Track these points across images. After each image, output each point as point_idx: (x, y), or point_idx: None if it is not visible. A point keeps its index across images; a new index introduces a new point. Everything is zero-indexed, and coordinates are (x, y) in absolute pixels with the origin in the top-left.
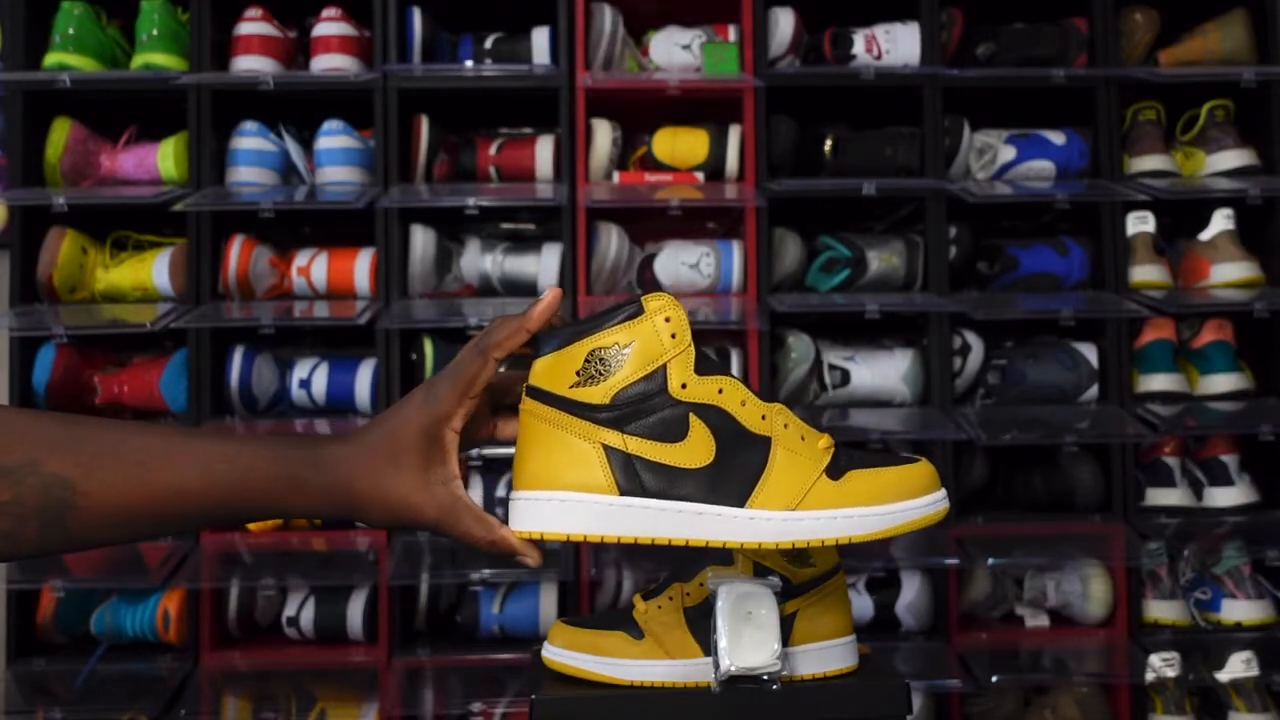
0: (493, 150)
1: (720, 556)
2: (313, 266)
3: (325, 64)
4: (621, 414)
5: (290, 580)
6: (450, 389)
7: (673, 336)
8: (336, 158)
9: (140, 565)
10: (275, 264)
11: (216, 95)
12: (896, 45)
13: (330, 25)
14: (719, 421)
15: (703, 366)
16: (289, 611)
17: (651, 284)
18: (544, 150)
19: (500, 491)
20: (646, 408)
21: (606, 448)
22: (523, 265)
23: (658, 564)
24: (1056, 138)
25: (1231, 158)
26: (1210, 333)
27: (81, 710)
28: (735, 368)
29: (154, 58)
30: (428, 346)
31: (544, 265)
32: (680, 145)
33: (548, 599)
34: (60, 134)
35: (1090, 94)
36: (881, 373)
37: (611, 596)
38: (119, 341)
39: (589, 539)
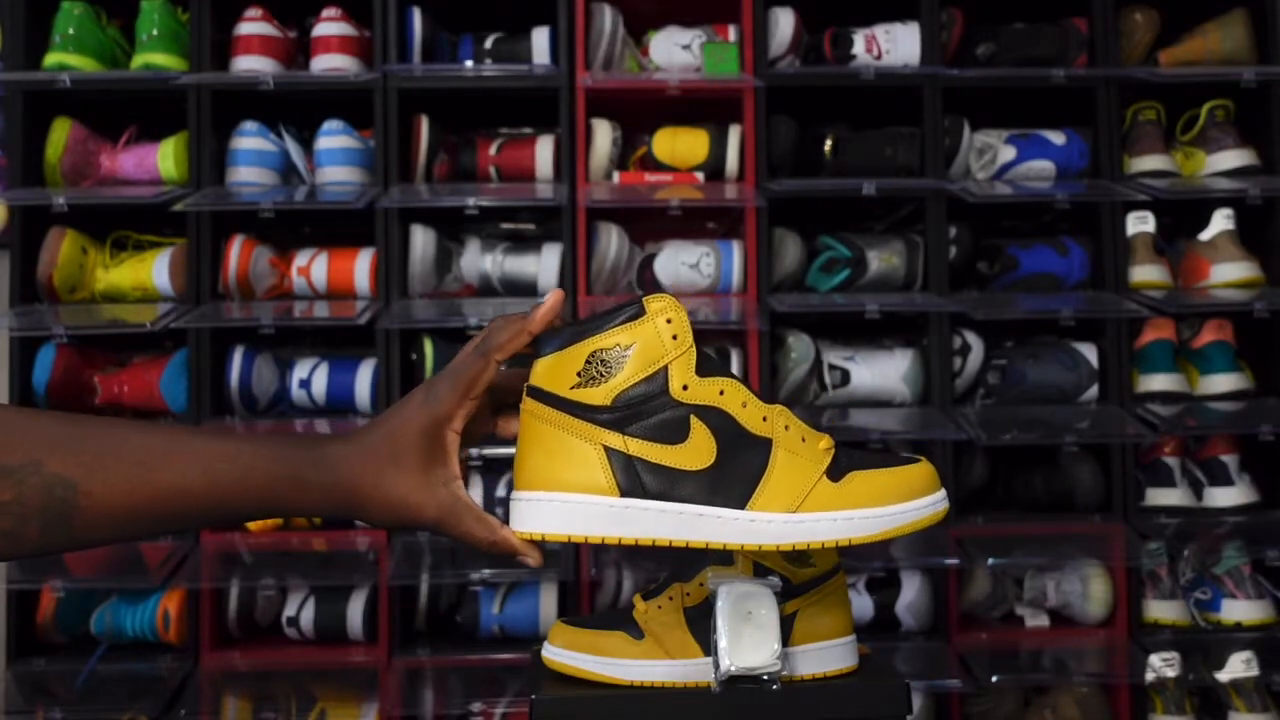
0: (493, 150)
1: (720, 556)
2: (313, 266)
3: (325, 64)
4: (622, 415)
5: (290, 580)
6: (451, 390)
7: (674, 338)
8: (336, 158)
9: (140, 565)
10: (275, 264)
11: (216, 95)
12: (896, 45)
13: (330, 25)
14: (720, 423)
15: (704, 368)
16: (289, 611)
17: (651, 284)
18: (544, 150)
19: (500, 491)
20: (647, 409)
21: (607, 449)
22: (523, 265)
23: (658, 564)
24: (1056, 138)
25: (1231, 158)
26: (1210, 333)
27: (81, 710)
28: (735, 368)
29: (154, 58)
30: (428, 346)
31: (544, 265)
32: (680, 145)
33: (548, 599)
34: (60, 134)
35: (1090, 94)
36: (881, 373)
37: (611, 596)
38: (119, 341)
39: (590, 540)
